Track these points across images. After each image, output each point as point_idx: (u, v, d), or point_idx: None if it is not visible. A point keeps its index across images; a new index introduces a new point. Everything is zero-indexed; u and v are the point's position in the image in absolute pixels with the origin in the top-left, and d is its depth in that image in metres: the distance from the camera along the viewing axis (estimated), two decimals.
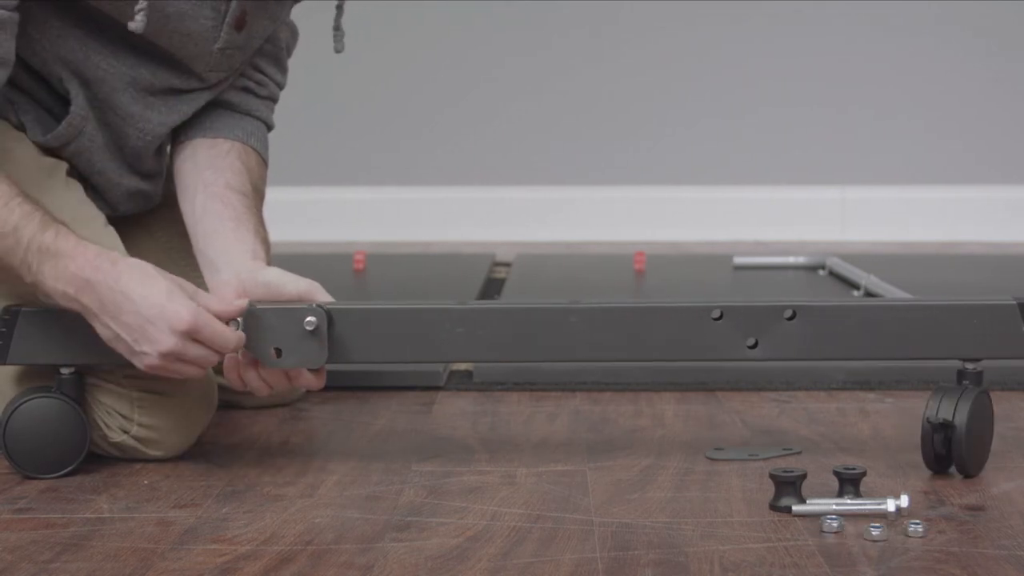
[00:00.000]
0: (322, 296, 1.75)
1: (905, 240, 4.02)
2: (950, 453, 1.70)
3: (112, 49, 1.81)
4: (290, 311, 1.71)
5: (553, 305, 1.74)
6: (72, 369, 1.75)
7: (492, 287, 2.99)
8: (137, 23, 1.75)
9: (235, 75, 1.93)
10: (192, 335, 1.64)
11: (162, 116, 1.87)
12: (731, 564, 1.42)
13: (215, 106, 1.94)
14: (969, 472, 1.71)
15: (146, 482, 1.73)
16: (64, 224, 1.68)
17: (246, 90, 1.97)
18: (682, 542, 1.49)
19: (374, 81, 4.05)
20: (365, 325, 1.73)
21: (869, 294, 2.78)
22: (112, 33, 1.80)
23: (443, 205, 4.11)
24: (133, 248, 1.85)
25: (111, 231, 1.84)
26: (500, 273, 3.22)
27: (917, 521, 1.51)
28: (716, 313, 1.73)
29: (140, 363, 1.67)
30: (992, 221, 4.04)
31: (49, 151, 1.84)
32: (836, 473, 1.60)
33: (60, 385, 1.75)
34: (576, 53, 4.11)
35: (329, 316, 1.71)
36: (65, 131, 1.82)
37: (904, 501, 1.54)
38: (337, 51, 1.93)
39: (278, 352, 1.71)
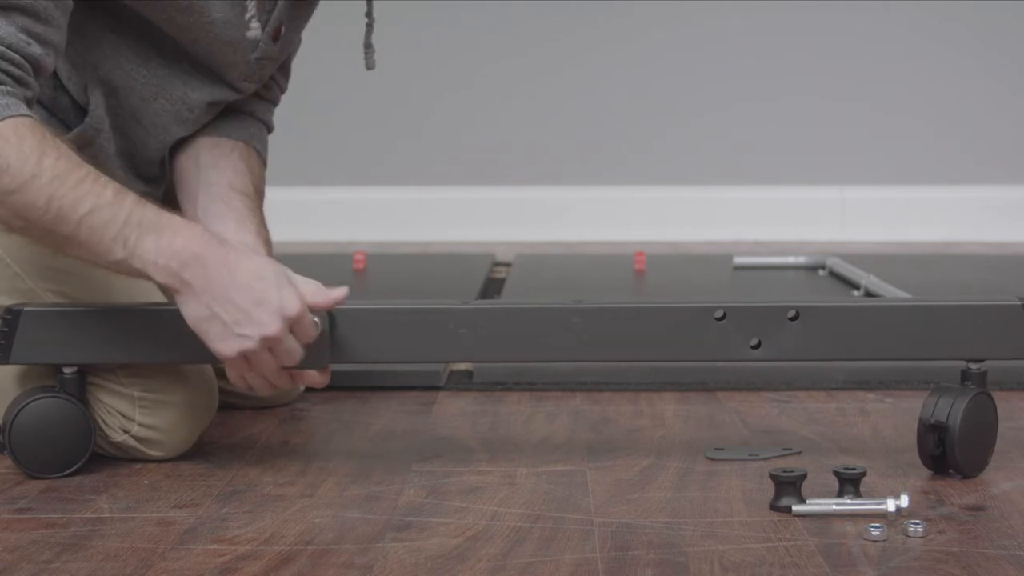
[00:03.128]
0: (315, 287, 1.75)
1: (905, 240, 4.02)
2: (945, 454, 1.70)
3: (145, 59, 1.81)
4: None
5: (556, 305, 1.74)
6: (74, 368, 1.75)
7: (492, 287, 3.00)
8: (253, 30, 1.79)
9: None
10: (293, 324, 1.64)
11: (187, 128, 1.88)
12: (731, 564, 1.42)
13: (229, 111, 1.95)
14: (965, 473, 1.71)
15: (146, 482, 1.73)
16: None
17: (260, 96, 1.98)
18: (682, 542, 1.49)
19: (374, 81, 4.04)
20: (367, 325, 1.73)
21: (869, 294, 2.78)
22: (147, 42, 1.80)
23: (443, 205, 4.12)
24: None
25: None
26: (500, 273, 3.22)
27: (917, 521, 1.51)
28: (719, 313, 1.73)
29: (232, 348, 1.63)
30: (992, 221, 4.05)
31: None
32: (836, 473, 1.60)
33: (63, 384, 1.75)
34: (576, 53, 4.11)
35: (331, 317, 1.71)
36: (75, 140, 1.81)
37: (904, 501, 1.55)
38: (368, 68, 1.93)
39: None
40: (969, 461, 1.71)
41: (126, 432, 1.78)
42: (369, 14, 1.92)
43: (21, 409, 1.73)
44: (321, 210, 4.09)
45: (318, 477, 1.74)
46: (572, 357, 1.83)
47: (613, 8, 4.08)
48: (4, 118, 1.60)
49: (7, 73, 1.63)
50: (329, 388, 2.05)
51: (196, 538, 1.52)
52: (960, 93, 4.07)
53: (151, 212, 1.63)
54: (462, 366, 2.29)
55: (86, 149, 1.83)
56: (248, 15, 1.79)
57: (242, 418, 2.03)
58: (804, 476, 1.59)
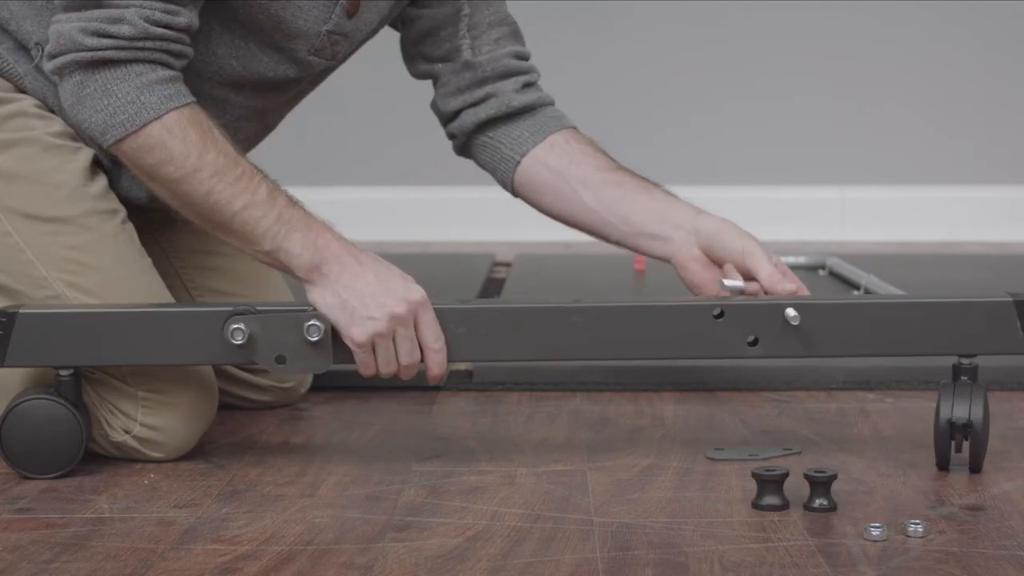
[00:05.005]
0: (763, 258, 1.81)
1: (905, 240, 4.02)
2: (965, 451, 1.71)
3: (204, 34, 1.79)
4: (292, 315, 1.71)
5: (555, 304, 1.74)
6: (71, 371, 1.74)
7: (492, 287, 3.00)
8: None
9: (329, 71, 1.95)
10: (418, 313, 1.71)
11: (247, 100, 1.88)
12: (731, 564, 1.42)
13: (518, 116, 2.07)
14: (980, 468, 1.71)
15: (146, 482, 1.73)
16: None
17: (528, 85, 2.06)
18: (682, 542, 1.49)
19: (374, 81, 4.05)
20: None
21: (869, 294, 2.78)
22: (211, 18, 1.79)
23: (443, 205, 4.11)
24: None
25: (129, 226, 1.83)
26: (500, 273, 3.22)
27: (917, 521, 1.51)
28: (716, 311, 1.73)
29: (362, 331, 1.69)
30: (992, 221, 4.05)
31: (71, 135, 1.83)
32: (807, 477, 1.60)
33: (59, 387, 1.74)
34: (574, 53, 4.11)
35: None
36: None
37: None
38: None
39: (280, 359, 1.71)
40: (982, 456, 1.73)
41: (127, 432, 1.78)
42: None
43: (9, 411, 1.73)
44: (321, 210, 4.06)
45: (318, 477, 1.74)
46: (572, 356, 1.83)
47: (613, 8, 4.08)
48: (170, 109, 1.68)
49: (166, 51, 1.69)
50: (329, 388, 2.06)
51: (196, 538, 1.52)
52: (960, 93, 4.07)
53: (300, 212, 1.77)
54: (462, 366, 2.29)
55: None
56: None
57: (242, 418, 2.03)
58: (786, 475, 1.59)
